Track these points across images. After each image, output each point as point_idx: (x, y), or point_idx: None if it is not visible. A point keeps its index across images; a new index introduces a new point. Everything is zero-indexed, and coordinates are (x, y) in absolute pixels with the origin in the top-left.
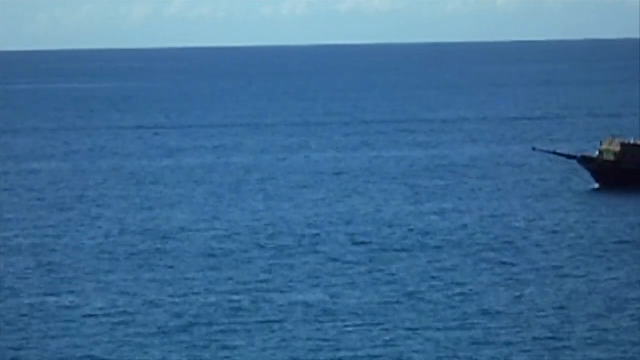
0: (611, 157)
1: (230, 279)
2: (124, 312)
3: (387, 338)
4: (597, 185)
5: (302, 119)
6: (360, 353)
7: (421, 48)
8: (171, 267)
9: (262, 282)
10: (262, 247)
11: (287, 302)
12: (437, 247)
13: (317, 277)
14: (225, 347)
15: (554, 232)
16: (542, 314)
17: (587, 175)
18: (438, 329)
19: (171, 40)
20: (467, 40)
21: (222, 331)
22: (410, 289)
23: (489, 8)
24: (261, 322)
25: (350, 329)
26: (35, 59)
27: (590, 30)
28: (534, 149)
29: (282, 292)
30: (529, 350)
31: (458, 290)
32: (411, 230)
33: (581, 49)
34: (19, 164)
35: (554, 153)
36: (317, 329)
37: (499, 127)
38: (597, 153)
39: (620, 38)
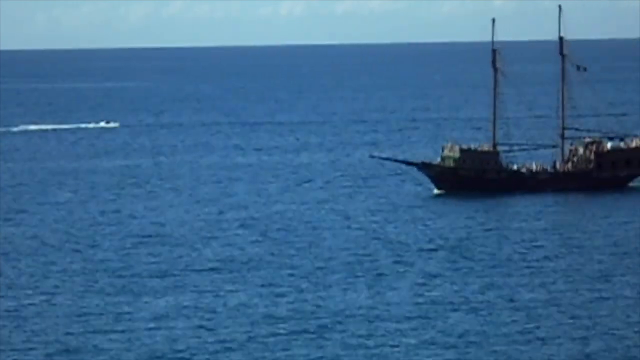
0: (451, 163)
1: (238, 281)
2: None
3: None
4: (436, 192)
5: (301, 119)
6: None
7: (419, 48)
8: (174, 270)
9: (265, 282)
10: (263, 246)
11: (289, 302)
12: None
13: (316, 279)
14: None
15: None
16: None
17: (427, 181)
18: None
19: (170, 40)
20: (464, 41)
21: (227, 333)
22: None
23: (486, 8)
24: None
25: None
26: (34, 58)
27: (590, 30)
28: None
29: (283, 292)
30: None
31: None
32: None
33: (579, 49)
34: (23, 163)
35: (393, 160)
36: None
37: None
38: (439, 159)
39: (618, 38)
